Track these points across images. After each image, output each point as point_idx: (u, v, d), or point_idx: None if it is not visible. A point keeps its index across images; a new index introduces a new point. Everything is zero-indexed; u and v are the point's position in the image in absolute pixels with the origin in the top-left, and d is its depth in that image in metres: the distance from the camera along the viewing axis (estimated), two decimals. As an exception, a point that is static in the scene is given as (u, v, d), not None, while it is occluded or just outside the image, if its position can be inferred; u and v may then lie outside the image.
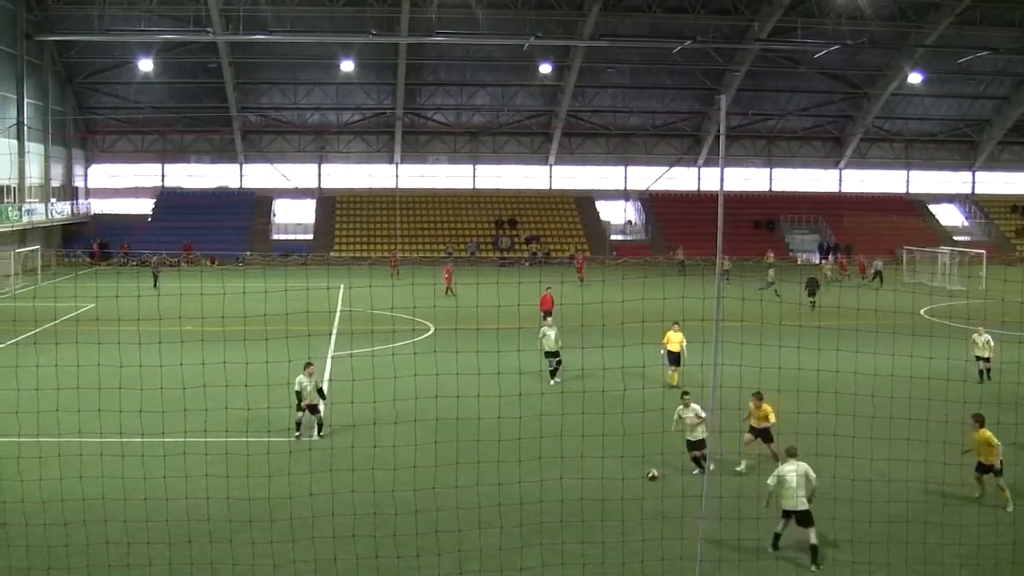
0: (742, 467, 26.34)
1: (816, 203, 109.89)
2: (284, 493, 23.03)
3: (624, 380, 28.29)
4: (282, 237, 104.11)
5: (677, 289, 25.43)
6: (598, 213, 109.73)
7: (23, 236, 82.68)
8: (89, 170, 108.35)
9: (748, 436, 26.94)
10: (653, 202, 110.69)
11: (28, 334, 45.02)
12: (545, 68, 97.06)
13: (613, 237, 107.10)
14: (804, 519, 20.41)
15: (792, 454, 21.34)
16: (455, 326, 41.26)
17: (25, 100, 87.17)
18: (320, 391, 30.25)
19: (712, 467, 23.91)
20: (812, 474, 20.89)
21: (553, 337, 38.42)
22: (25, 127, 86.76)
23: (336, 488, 22.48)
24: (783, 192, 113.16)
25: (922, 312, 57.51)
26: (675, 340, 36.80)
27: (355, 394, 25.64)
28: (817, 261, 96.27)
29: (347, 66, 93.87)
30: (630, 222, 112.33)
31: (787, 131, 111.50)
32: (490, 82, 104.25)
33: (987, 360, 37.64)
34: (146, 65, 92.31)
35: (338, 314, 54.66)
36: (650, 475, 25.04)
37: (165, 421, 27.50)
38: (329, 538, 20.62)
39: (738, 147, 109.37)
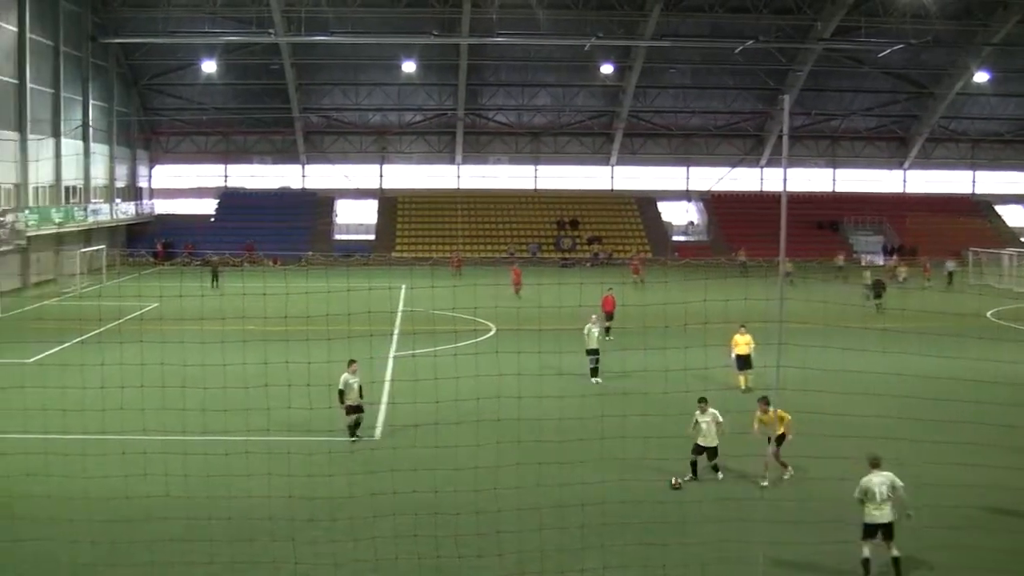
0: (766, 483, 24.69)
1: (880, 204, 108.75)
2: (345, 492, 23.04)
3: (686, 382, 28.11)
4: (344, 237, 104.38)
5: (739, 291, 25.30)
6: (660, 214, 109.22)
7: (88, 236, 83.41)
8: (153, 171, 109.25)
9: (772, 448, 25.10)
10: (715, 203, 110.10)
11: (93, 333, 45.46)
12: (606, 68, 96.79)
13: (675, 238, 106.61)
14: (888, 532, 19.55)
15: (876, 464, 20.07)
16: (517, 327, 41.37)
17: (90, 102, 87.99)
18: (361, 390, 29.51)
19: (721, 476, 24.08)
20: (899, 483, 19.84)
21: (596, 334, 38.36)
22: (90, 128, 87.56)
23: (397, 488, 22.50)
24: (846, 193, 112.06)
25: (988, 315, 56.84)
26: (742, 343, 36.29)
27: (417, 394, 25.65)
28: (881, 262, 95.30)
29: (408, 67, 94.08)
30: (692, 223, 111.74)
31: (851, 131, 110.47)
32: (551, 82, 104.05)
33: None
34: (209, 66, 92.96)
35: (400, 314, 54.77)
36: (674, 483, 24.48)
37: (227, 420, 27.68)
38: (390, 538, 20.62)
39: (801, 147, 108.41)
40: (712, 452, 24.91)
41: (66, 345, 42.93)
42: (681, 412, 24.83)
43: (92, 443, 26.93)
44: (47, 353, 41.56)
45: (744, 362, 36.16)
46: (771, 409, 24.79)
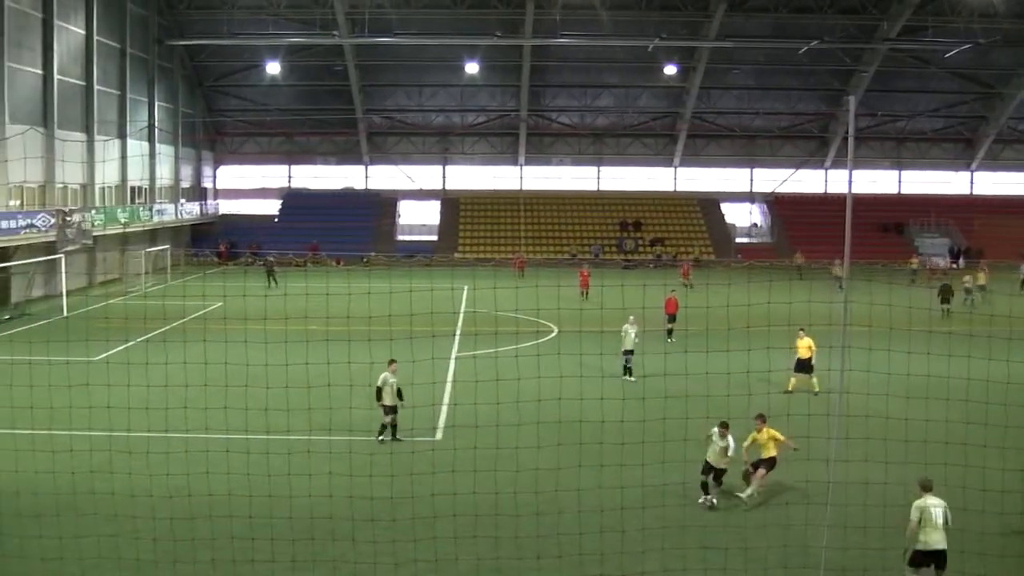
0: (746, 495, 23.94)
1: (946, 206, 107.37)
2: (406, 492, 23.08)
3: (748, 385, 27.93)
4: (406, 238, 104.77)
5: (801, 294, 25.07)
6: (723, 215, 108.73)
7: (153, 235, 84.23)
8: (217, 171, 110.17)
9: (756, 470, 24.00)
10: (779, 205, 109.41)
11: (158, 331, 45.87)
12: (670, 69, 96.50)
13: (738, 240, 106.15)
14: (942, 561, 18.57)
15: (928, 488, 18.98)
16: (579, 328, 41.31)
17: (156, 103, 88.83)
18: (400, 391, 29.38)
19: (715, 501, 23.44)
20: (950, 515, 18.75)
21: (633, 335, 38.82)
22: (156, 129, 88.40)
23: (458, 489, 22.51)
24: (912, 195, 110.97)
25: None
26: (803, 346, 36.09)
27: (478, 395, 25.62)
28: (942, 264, 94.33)
29: (471, 68, 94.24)
30: (755, 225, 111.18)
31: (916, 132, 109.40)
32: (614, 83, 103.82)
33: None
34: (273, 68, 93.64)
35: (462, 315, 54.85)
36: (708, 503, 23.68)
37: (290, 419, 27.83)
38: (450, 538, 20.63)
39: (866, 149, 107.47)
40: (720, 473, 23.69)
41: (131, 344, 43.30)
42: (744, 415, 24.66)
43: (156, 441, 27.17)
44: (113, 351, 41.93)
45: (804, 365, 36.01)
46: (766, 428, 24.08)
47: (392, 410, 29.33)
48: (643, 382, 26.59)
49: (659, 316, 46.67)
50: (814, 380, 35.76)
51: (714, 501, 23.37)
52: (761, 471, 23.82)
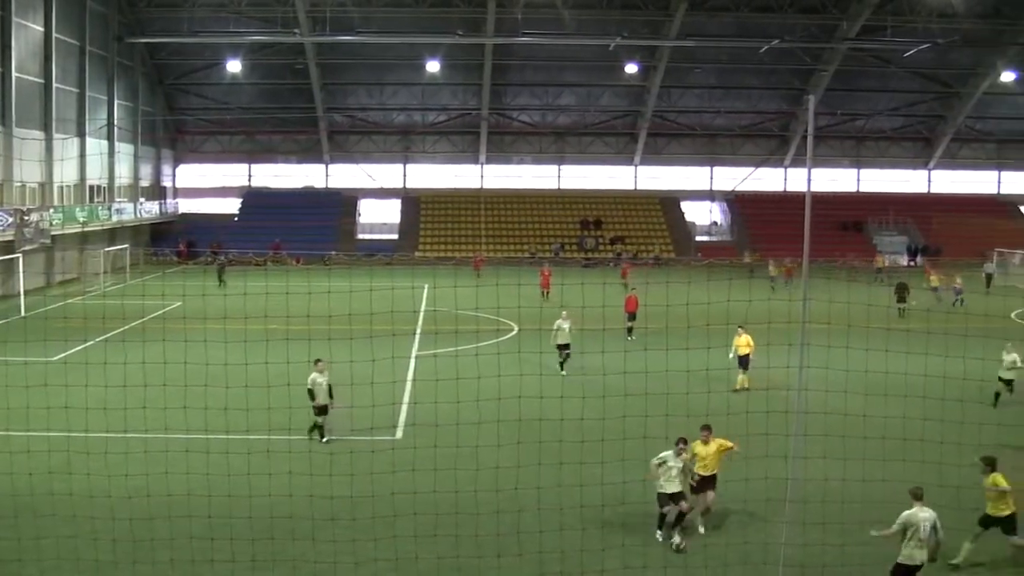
0: (702, 531, 22.16)
1: (905, 204, 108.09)
2: (366, 491, 23.03)
3: (708, 383, 28.03)
4: (367, 237, 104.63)
5: (763, 292, 25.16)
6: (683, 214, 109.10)
7: (112, 235, 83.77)
8: (177, 170, 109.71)
9: (700, 493, 22.22)
10: (739, 203, 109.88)
11: (116, 331, 45.63)
12: (631, 68, 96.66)
13: (698, 238, 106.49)
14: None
15: (919, 497, 18.43)
16: (539, 327, 41.35)
17: (116, 101, 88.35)
18: (330, 389, 29.34)
19: (702, 530, 21.95)
20: (939, 523, 18.37)
21: (567, 330, 39.60)
22: (116, 128, 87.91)
23: (418, 488, 22.50)
24: (871, 193, 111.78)
25: (1013, 316, 56.56)
26: (741, 343, 36.49)
27: (438, 393, 25.61)
28: (904, 263, 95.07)
29: (433, 67, 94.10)
30: (715, 223, 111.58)
31: (876, 131, 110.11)
32: (576, 82, 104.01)
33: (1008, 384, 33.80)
34: (234, 66, 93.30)
35: (422, 314, 54.80)
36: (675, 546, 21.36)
37: (249, 419, 27.71)
38: (411, 537, 20.62)
39: (826, 147, 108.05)
40: (675, 497, 21.51)
41: (90, 343, 43.05)
42: (707, 413, 24.73)
43: (114, 441, 26.99)
44: (71, 352, 41.71)
45: (744, 362, 36.53)
46: (713, 438, 22.46)
47: (323, 411, 29.35)
48: (603, 380, 26.60)
49: (620, 315, 46.86)
50: (744, 377, 36.19)
51: (681, 544, 21.09)
52: (711, 495, 22.14)
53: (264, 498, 22.62)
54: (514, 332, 49.00)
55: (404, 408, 33.11)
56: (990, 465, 20.00)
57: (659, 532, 21.60)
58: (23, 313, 55.11)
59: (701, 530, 21.97)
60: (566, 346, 39.74)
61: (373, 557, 19.96)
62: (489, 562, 19.87)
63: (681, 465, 21.54)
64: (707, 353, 25.94)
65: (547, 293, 63.10)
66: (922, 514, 18.15)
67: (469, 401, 25.26)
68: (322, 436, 29.30)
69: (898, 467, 21.37)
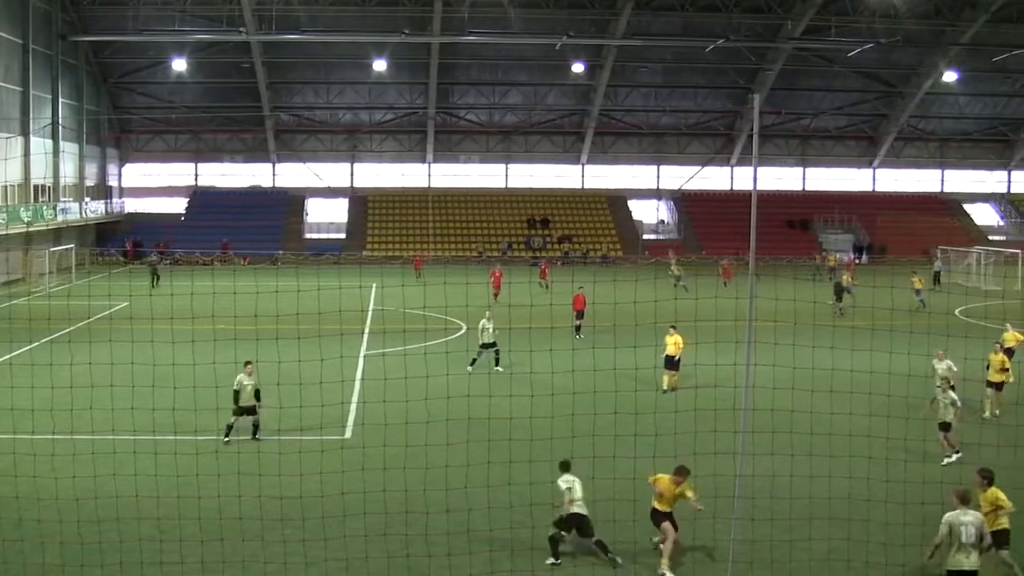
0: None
1: (850, 203, 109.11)
2: (316, 492, 23.03)
3: (655, 379, 28.17)
4: (315, 236, 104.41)
5: (709, 291, 25.32)
6: (631, 212, 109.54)
7: (57, 235, 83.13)
8: (123, 169, 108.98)
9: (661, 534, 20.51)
10: (686, 201, 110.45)
11: (62, 332, 45.28)
12: (577, 67, 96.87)
13: (646, 236, 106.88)
14: None
15: (966, 500, 17.50)
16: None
17: (60, 100, 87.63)
18: (257, 392, 29.46)
19: (620, 561, 20.42)
20: (987, 528, 17.61)
21: (491, 329, 40.57)
22: (60, 127, 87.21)
23: (367, 487, 22.48)
24: (817, 191, 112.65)
25: (957, 312, 57.15)
26: (671, 343, 36.46)
27: (387, 393, 25.60)
28: (847, 260, 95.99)
29: (379, 65, 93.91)
30: (663, 221, 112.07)
31: (821, 130, 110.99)
32: (522, 81, 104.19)
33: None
34: (179, 65, 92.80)
35: (370, 313, 54.72)
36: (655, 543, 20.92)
37: (198, 419, 27.63)
38: (360, 536, 20.62)
39: (771, 146, 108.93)
40: (578, 519, 20.55)
41: (35, 345, 42.72)
42: (655, 410, 24.88)
43: (61, 443, 26.83)
44: (16, 353, 41.41)
45: (671, 362, 36.53)
46: (686, 482, 20.69)
47: (251, 411, 29.33)
48: (551, 377, 26.67)
49: (568, 313, 47.03)
50: (676, 377, 36.20)
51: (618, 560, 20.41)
52: (673, 535, 20.23)
53: (213, 499, 22.53)
54: (462, 331, 49.02)
55: (353, 407, 33.09)
56: (987, 479, 19.04)
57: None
58: (-33, 314, 54.61)
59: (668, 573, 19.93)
60: (492, 344, 40.60)
61: (323, 557, 19.95)
62: (440, 561, 19.90)
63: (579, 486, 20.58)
64: (654, 351, 26.09)
65: (497, 296, 61.41)
66: (965, 518, 17.24)
67: (418, 400, 25.27)
68: (254, 434, 29.36)
69: (844, 463, 21.57)
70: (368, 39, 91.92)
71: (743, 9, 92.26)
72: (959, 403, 26.91)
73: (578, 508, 20.39)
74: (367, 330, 48.87)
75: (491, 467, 23.39)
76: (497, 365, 40.38)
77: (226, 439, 29.04)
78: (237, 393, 29.09)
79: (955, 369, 31.24)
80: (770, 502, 21.92)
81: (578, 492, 20.50)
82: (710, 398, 28.29)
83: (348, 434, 30.14)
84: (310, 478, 23.50)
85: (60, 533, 20.86)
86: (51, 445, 26.46)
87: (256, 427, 29.57)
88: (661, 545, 20.20)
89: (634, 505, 21.77)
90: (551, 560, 20.28)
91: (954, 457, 26.48)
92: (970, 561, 17.11)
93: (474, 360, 40.44)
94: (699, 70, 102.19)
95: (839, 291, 58.44)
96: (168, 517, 21.60)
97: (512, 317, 39.56)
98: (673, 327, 36.14)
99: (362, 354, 42.90)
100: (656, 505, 20.61)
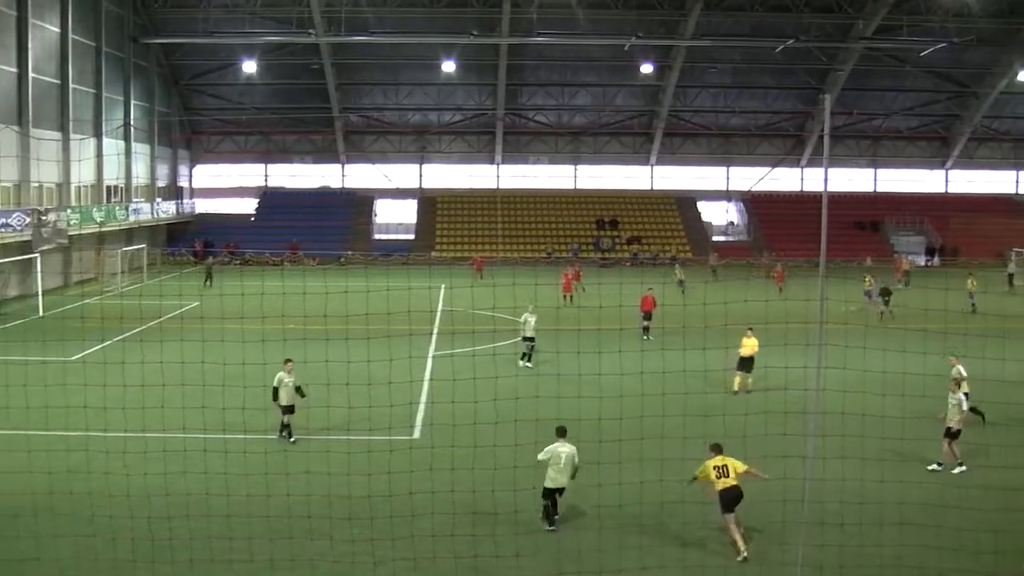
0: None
1: (922, 204, 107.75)
2: (384, 491, 23.06)
3: (726, 383, 28.00)
4: (383, 237, 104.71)
5: (776, 292, 25.10)
6: (699, 214, 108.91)
7: (129, 235, 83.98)
8: (194, 170, 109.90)
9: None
10: (755, 203, 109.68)
11: (134, 331, 45.72)
12: (646, 68, 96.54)
13: (714, 238, 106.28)
14: None
15: None
16: (556, 327, 41.35)
17: (132, 102, 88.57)
18: (299, 389, 29.29)
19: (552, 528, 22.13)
20: None
21: (533, 323, 41.32)
22: (132, 128, 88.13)
23: (435, 487, 22.52)
24: (888, 193, 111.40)
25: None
26: (748, 345, 36.22)
27: (455, 393, 25.63)
28: (923, 263, 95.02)
29: (448, 67, 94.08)
30: (732, 223, 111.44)
31: (892, 131, 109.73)
32: (591, 82, 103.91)
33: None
34: (249, 67, 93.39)
35: (439, 314, 54.82)
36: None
37: (268, 418, 27.78)
38: (428, 536, 20.66)
39: (842, 147, 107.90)
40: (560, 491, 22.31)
41: (107, 343, 43.16)
42: (724, 413, 24.72)
43: (133, 441, 27.11)
44: (89, 351, 41.82)
45: (745, 364, 36.28)
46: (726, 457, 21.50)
47: (290, 410, 29.31)
48: (620, 380, 26.57)
49: (636, 314, 46.89)
50: (749, 380, 35.93)
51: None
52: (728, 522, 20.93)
53: (282, 497, 22.67)
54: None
55: (421, 408, 33.13)
56: None
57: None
58: (41, 313, 55.25)
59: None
60: (531, 339, 41.32)
61: (391, 557, 20.00)
62: (507, 561, 19.88)
63: (569, 452, 22.17)
64: (724, 353, 25.91)
65: (570, 297, 61.26)
66: None
67: (486, 401, 25.25)
68: (290, 436, 29.28)
69: (916, 468, 21.32)
70: (436, 40, 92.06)
71: (813, 9, 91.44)
72: (964, 406, 26.27)
73: (557, 480, 21.93)
74: (435, 331, 48.94)
75: (559, 468, 23.34)
76: (527, 359, 41.14)
77: (286, 436, 29.21)
78: (276, 390, 29.10)
79: (964, 374, 30.74)
80: (840, 507, 21.70)
81: (562, 462, 21.94)
82: (780, 401, 28.10)
83: (416, 434, 30.17)
84: (379, 478, 23.55)
85: (131, 529, 21.05)
86: (123, 442, 26.71)
87: (288, 427, 29.50)
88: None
89: (702, 507, 21.67)
90: (547, 527, 21.85)
91: (956, 469, 25.71)
92: None
93: (523, 355, 41.18)
94: (769, 70, 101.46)
95: (885, 294, 57.03)
96: (237, 515, 21.72)
97: (581, 318, 39.46)
98: (751, 329, 35.99)
99: (431, 354, 42.95)
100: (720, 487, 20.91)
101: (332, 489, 22.88)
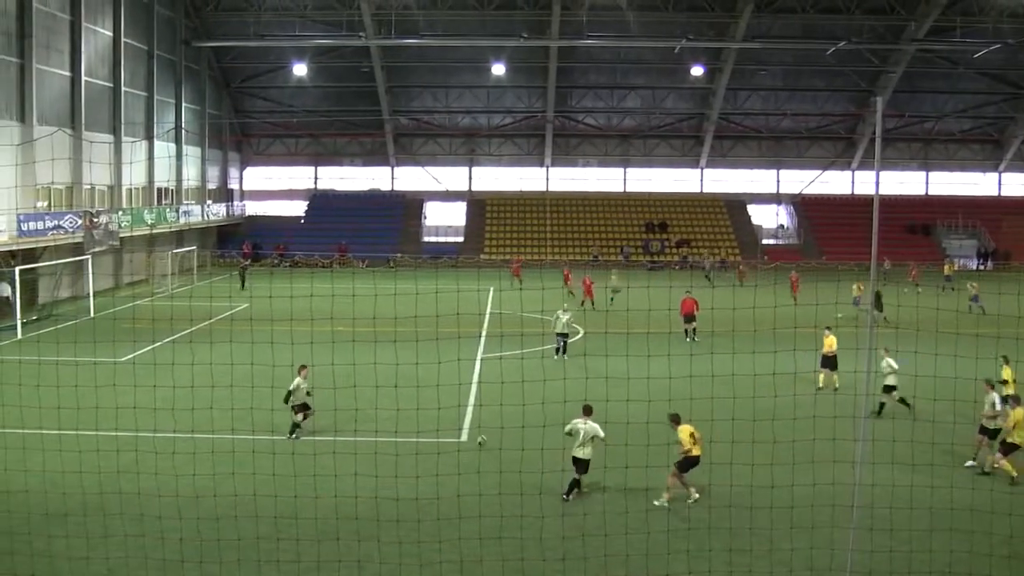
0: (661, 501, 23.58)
1: (974, 207, 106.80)
2: (431, 493, 23.08)
3: (775, 386, 27.79)
4: (432, 239, 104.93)
5: (821, 295, 24.94)
6: (749, 217, 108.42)
7: (180, 237, 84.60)
8: (244, 172, 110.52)
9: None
10: (805, 206, 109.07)
11: (184, 332, 45.98)
12: (696, 70, 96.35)
13: (765, 241, 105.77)
14: None
15: None
16: (604, 330, 41.26)
17: (183, 105, 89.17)
18: (309, 394, 29.67)
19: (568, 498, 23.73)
20: None
21: (564, 320, 42.33)
22: (183, 131, 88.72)
23: (483, 490, 22.50)
24: (940, 196, 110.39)
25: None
26: (828, 343, 36.48)
27: (504, 396, 25.61)
28: (975, 267, 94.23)
29: (498, 69, 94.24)
30: (782, 226, 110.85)
31: (944, 133, 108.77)
32: (641, 84, 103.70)
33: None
34: (300, 69, 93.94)
35: (488, 316, 54.82)
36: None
37: (315, 420, 27.84)
38: (475, 539, 20.63)
39: (893, 150, 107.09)
40: (584, 465, 24.15)
41: (158, 344, 43.46)
42: (772, 417, 24.57)
43: (182, 441, 27.25)
44: (139, 352, 42.13)
45: (828, 361, 36.52)
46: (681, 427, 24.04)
47: (304, 408, 29.52)
48: (669, 383, 26.43)
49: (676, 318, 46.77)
50: (835, 377, 35.94)
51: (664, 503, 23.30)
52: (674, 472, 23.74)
53: (330, 499, 22.72)
54: (579, 335, 48.87)
55: (470, 410, 33.13)
56: None
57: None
58: (92, 314, 55.67)
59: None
60: (564, 335, 42.44)
61: (438, 559, 20.00)
62: (554, 565, 19.84)
63: (588, 428, 24.21)
64: (773, 357, 25.73)
65: (592, 301, 59.14)
66: None
67: (534, 404, 25.22)
68: (294, 432, 29.49)
69: (967, 474, 21.09)
70: (486, 43, 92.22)
71: (864, 10, 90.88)
72: (997, 406, 25.93)
73: (577, 452, 24.01)
74: (484, 333, 48.95)
75: (607, 472, 23.30)
76: (562, 353, 42.20)
77: (294, 436, 29.34)
78: (290, 393, 29.27)
79: (895, 367, 30.21)
80: (889, 512, 21.52)
81: (580, 437, 24.05)
82: (830, 404, 27.89)
83: (464, 437, 30.17)
84: (426, 480, 23.58)
85: (180, 529, 21.16)
86: (172, 443, 26.88)
87: (297, 426, 29.72)
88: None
89: (751, 512, 21.55)
90: (564, 496, 23.74)
91: (968, 464, 25.30)
92: None
93: (557, 349, 42.33)
94: (819, 73, 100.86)
95: (876, 299, 54.93)
96: (285, 516, 21.79)
97: (629, 321, 39.36)
98: (828, 328, 36.36)
99: (479, 357, 42.95)
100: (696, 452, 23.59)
101: (379, 491, 22.92)
